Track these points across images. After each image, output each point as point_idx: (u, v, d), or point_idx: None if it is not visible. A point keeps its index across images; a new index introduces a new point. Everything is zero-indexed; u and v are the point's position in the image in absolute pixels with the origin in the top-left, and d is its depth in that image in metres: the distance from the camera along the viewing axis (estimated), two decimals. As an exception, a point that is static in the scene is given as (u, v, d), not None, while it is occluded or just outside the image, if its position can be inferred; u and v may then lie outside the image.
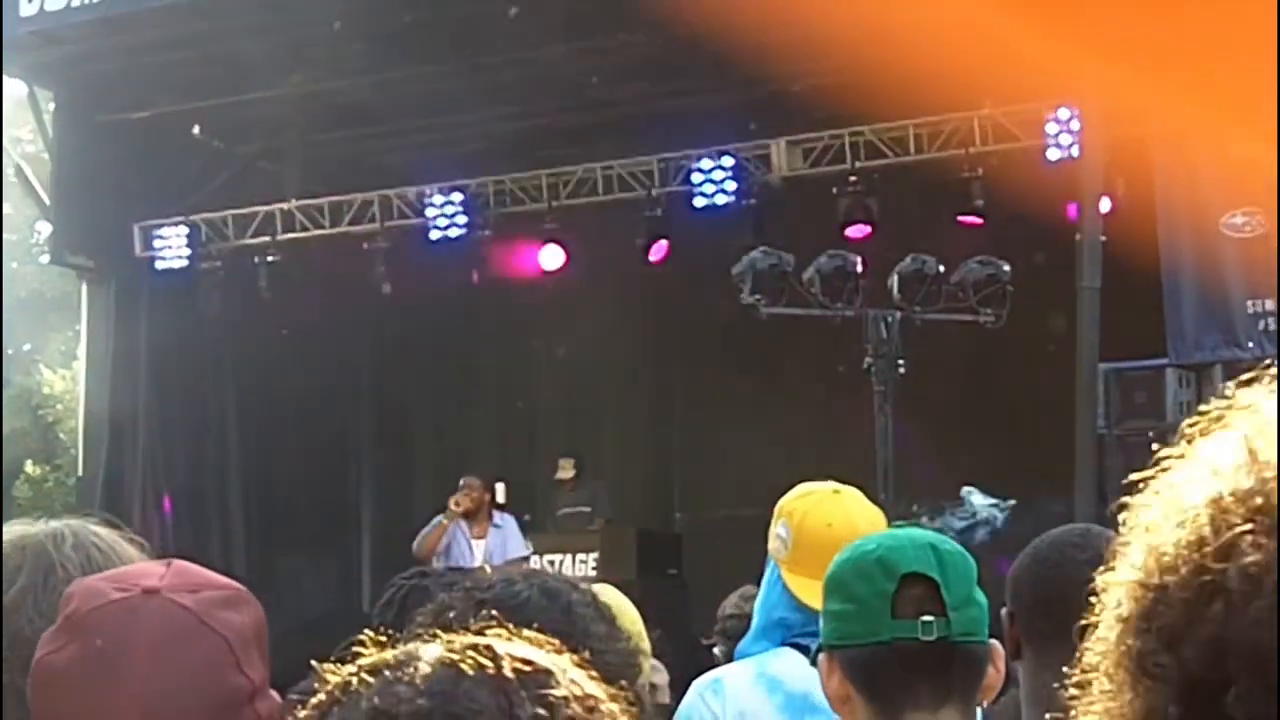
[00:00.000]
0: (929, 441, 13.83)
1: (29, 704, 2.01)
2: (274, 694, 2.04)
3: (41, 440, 31.85)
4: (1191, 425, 1.18)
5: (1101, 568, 1.25)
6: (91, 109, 16.80)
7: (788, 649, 3.91)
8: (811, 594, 3.88)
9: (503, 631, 1.45)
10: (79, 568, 2.47)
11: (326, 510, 18.49)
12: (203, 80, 16.26)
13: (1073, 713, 1.28)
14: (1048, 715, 2.98)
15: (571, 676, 1.41)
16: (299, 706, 1.45)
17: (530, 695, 1.36)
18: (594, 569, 14.72)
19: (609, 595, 3.80)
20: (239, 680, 1.97)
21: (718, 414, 17.28)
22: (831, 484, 4.11)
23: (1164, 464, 1.18)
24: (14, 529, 2.59)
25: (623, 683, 2.47)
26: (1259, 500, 1.09)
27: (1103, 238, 11.74)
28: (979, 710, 3.00)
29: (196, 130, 17.33)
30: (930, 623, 2.76)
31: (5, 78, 17.23)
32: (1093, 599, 1.27)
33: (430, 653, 1.40)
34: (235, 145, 17.72)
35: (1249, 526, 1.09)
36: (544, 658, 1.41)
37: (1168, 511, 1.16)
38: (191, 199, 17.09)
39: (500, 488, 15.36)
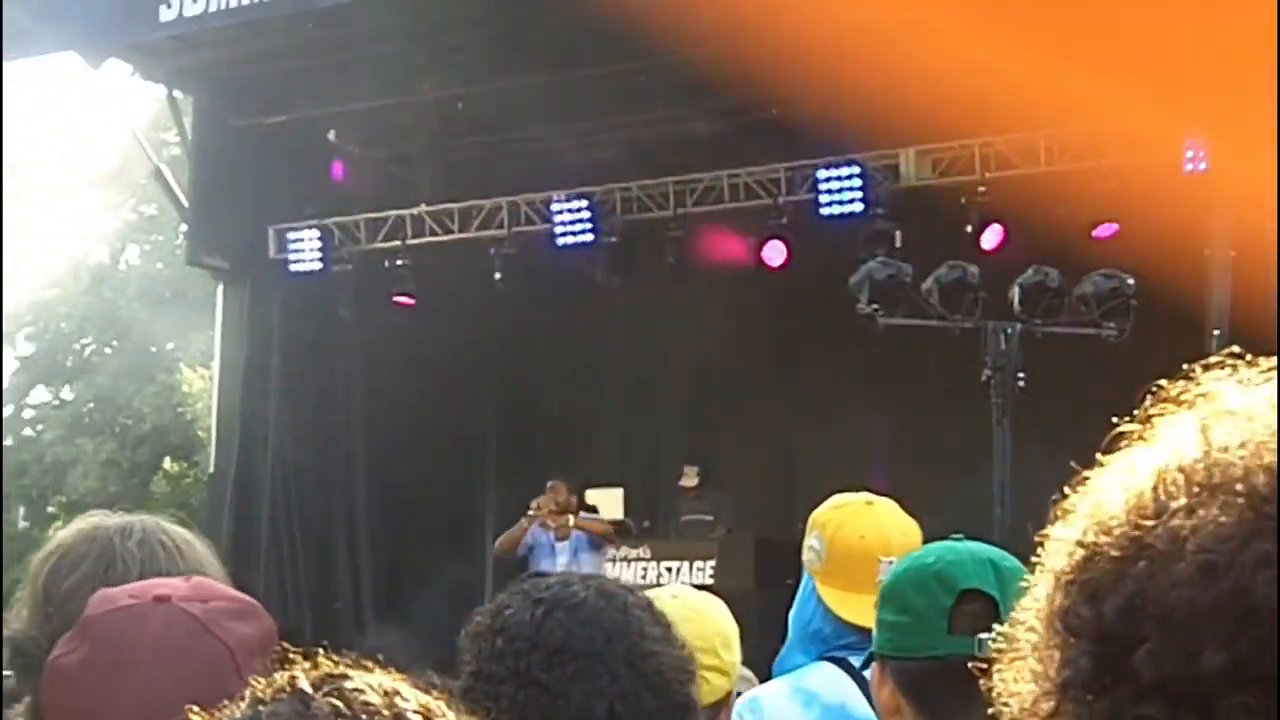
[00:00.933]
0: (1048, 458, 13.70)
1: (43, 701, 2.08)
2: None
3: (181, 437, 32.37)
4: (1158, 407, 1.25)
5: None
6: (229, 113, 17.08)
7: (824, 663, 3.90)
8: (845, 606, 3.87)
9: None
10: (139, 563, 2.55)
11: (451, 513, 18.61)
12: (338, 86, 16.47)
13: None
14: None
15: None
16: None
17: None
18: (711, 576, 14.74)
19: (698, 604, 3.82)
20: (238, 685, 2.00)
21: (838, 424, 17.19)
22: (865, 495, 4.09)
23: (1126, 442, 1.25)
24: (90, 519, 2.67)
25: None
26: (1200, 474, 1.15)
27: (1232, 252, 11.58)
28: None
29: (331, 135, 17.55)
30: (987, 640, 2.73)
31: (147, 82, 17.54)
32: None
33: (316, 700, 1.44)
34: (369, 150, 17.91)
35: (1185, 498, 1.15)
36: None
37: (1117, 479, 1.24)
38: (325, 203, 17.29)
39: (619, 494, 15.44)
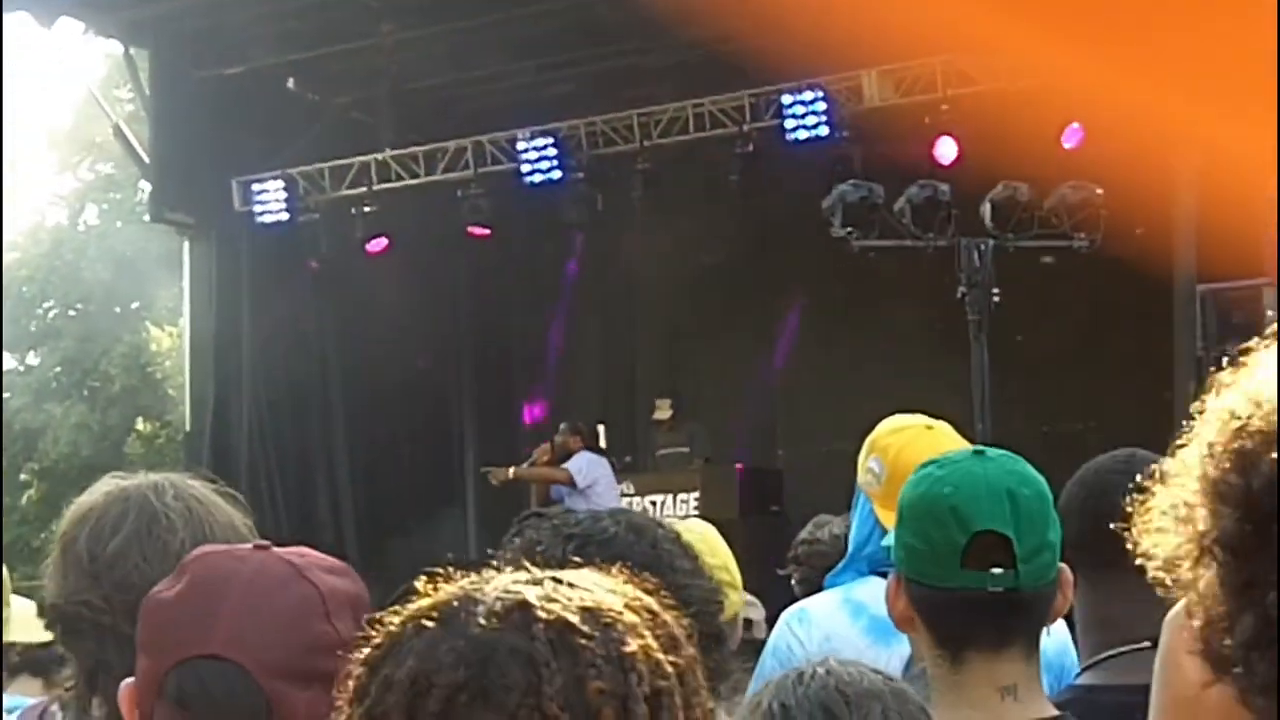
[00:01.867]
0: (1025, 369, 13.78)
1: (137, 637, 2.10)
2: None
3: (152, 397, 32.29)
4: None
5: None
6: (187, 66, 16.96)
7: (873, 576, 3.94)
8: None
9: (591, 575, 1.50)
10: (181, 516, 2.59)
11: (432, 460, 18.63)
12: (295, 33, 16.40)
13: (1144, 519, 1.39)
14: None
15: (603, 635, 1.44)
16: None
17: (565, 666, 1.41)
18: (695, 508, 14.79)
19: (698, 529, 3.85)
20: (326, 628, 2.04)
21: (814, 349, 17.24)
22: (924, 419, 4.10)
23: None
24: (111, 481, 2.68)
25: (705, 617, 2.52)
26: None
27: (1198, 157, 11.58)
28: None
29: (291, 83, 17.46)
30: (1000, 575, 2.77)
31: (100, 38, 17.41)
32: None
33: (482, 606, 1.45)
34: (329, 97, 17.82)
35: None
36: (582, 621, 1.44)
37: (1272, 358, 1.29)
38: (288, 153, 17.21)
39: (600, 429, 15.47)
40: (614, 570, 1.54)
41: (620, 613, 1.46)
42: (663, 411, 15.89)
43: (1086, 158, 12.89)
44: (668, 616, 1.50)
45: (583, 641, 1.42)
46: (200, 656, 2.00)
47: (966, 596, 2.78)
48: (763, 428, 17.81)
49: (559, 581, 1.49)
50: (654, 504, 15.01)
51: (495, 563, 2.63)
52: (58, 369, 34.91)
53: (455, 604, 1.45)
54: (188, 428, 18.00)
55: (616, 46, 16.20)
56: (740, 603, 3.72)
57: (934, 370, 12.95)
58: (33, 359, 36.10)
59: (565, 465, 14.65)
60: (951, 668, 2.81)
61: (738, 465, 15.78)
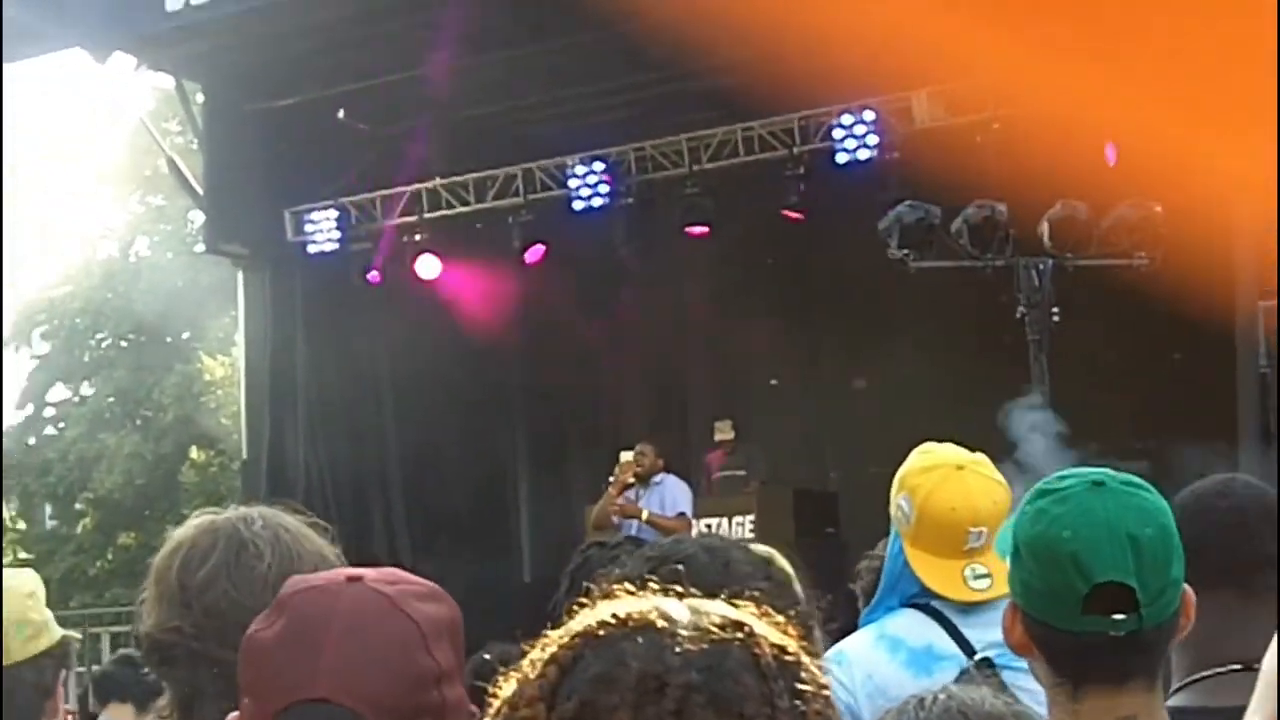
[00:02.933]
0: (1085, 388, 13.72)
1: (238, 676, 2.13)
2: (463, 688, 2.12)
3: (205, 426, 32.41)
4: None
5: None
6: (238, 99, 17.08)
7: (905, 609, 3.92)
8: (932, 574, 3.90)
9: (750, 607, 1.52)
10: (269, 544, 2.63)
11: (485, 486, 18.66)
12: (345, 65, 16.48)
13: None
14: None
15: (808, 662, 1.48)
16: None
17: (786, 685, 1.44)
18: (751, 531, 14.75)
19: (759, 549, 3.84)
20: (427, 662, 2.06)
21: (869, 370, 17.21)
22: (955, 456, 4.06)
23: None
24: (203, 517, 2.73)
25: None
26: None
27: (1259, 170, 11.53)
28: None
29: (341, 114, 17.54)
30: (1122, 620, 2.70)
31: (153, 72, 17.53)
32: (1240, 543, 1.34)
33: (684, 616, 1.47)
34: (380, 127, 17.89)
35: None
36: (792, 645, 1.49)
37: None
38: (339, 182, 17.29)
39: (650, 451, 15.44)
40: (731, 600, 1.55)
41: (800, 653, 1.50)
42: (724, 433, 15.84)
43: (1144, 175, 12.85)
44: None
45: (794, 663, 1.46)
46: (308, 701, 2.02)
47: (1087, 640, 2.72)
48: (815, 451, 17.78)
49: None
50: (710, 527, 14.95)
51: (590, 586, 2.66)
52: (111, 399, 35.10)
53: (654, 616, 1.46)
54: (244, 456, 18.08)
55: (666, 71, 16.21)
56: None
57: (993, 391, 12.91)
58: (86, 389, 36.29)
59: (660, 483, 14.42)
60: (1071, 699, 2.76)
61: (792, 489, 15.75)
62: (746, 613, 1.50)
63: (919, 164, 14.45)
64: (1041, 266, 11.02)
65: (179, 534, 2.70)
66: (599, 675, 1.42)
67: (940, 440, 4.22)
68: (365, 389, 17.94)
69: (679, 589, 1.54)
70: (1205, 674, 3.07)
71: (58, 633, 3.50)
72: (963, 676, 3.45)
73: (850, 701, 3.84)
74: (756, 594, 2.52)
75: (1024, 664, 2.89)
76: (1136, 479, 2.87)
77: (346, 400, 17.69)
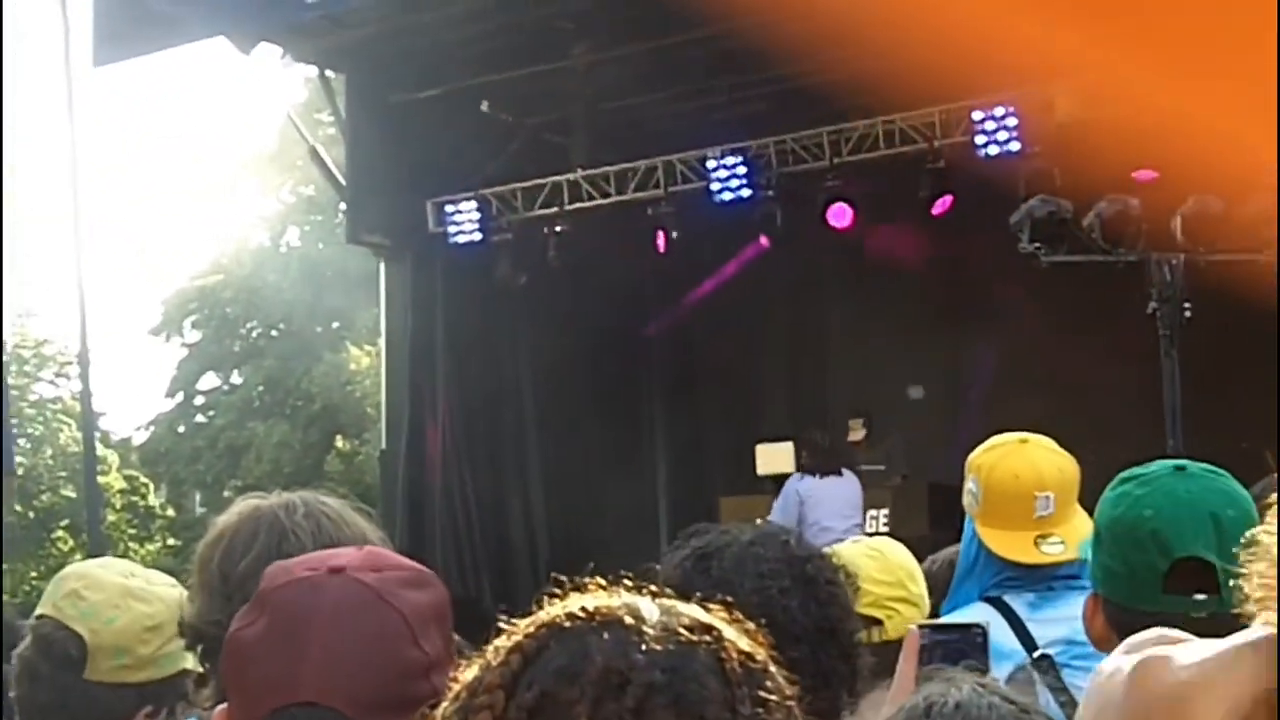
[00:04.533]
0: (1218, 386, 13.54)
1: (222, 673, 2.12)
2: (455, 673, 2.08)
3: (351, 415, 32.80)
4: None
5: None
6: (381, 89, 17.22)
7: (978, 603, 3.90)
8: (1003, 544, 3.87)
9: (720, 612, 1.50)
10: (310, 535, 2.60)
11: (623, 476, 18.68)
12: (489, 55, 16.57)
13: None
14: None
15: (775, 671, 1.47)
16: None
17: (750, 692, 1.43)
18: (885, 524, 14.72)
19: (877, 546, 3.84)
20: (414, 653, 2.02)
21: (1007, 363, 17.08)
22: (1019, 434, 4.05)
23: None
24: (248, 503, 2.72)
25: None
26: None
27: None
28: None
29: (484, 106, 17.65)
30: (1203, 601, 2.70)
31: (298, 63, 17.73)
32: None
33: (653, 615, 1.46)
34: (522, 118, 17.99)
35: None
36: (760, 653, 1.47)
37: None
38: (481, 174, 17.39)
39: (789, 448, 15.43)
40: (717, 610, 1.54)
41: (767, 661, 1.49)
42: (856, 432, 15.81)
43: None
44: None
45: (760, 671, 1.45)
46: (293, 705, 1.99)
47: (1167, 620, 2.72)
48: (953, 444, 17.66)
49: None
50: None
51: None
52: (260, 388, 35.61)
53: (623, 613, 1.45)
54: (384, 445, 18.23)
55: (806, 64, 16.17)
56: (918, 617, 3.70)
57: (1125, 388, 12.79)
58: (236, 378, 36.85)
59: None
60: None
61: (928, 481, 15.68)
62: (717, 617, 1.48)
63: (1059, 158, 14.35)
64: (1174, 261, 10.86)
65: (223, 521, 2.69)
66: (562, 667, 1.41)
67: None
68: (506, 382, 18.03)
69: (654, 589, 1.52)
70: None
71: (171, 670, 3.47)
72: (1018, 674, 3.43)
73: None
74: (763, 591, 2.54)
75: (1085, 661, 2.87)
76: (1219, 468, 2.87)
77: (486, 391, 17.79)
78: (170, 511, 37.59)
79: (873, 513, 14.89)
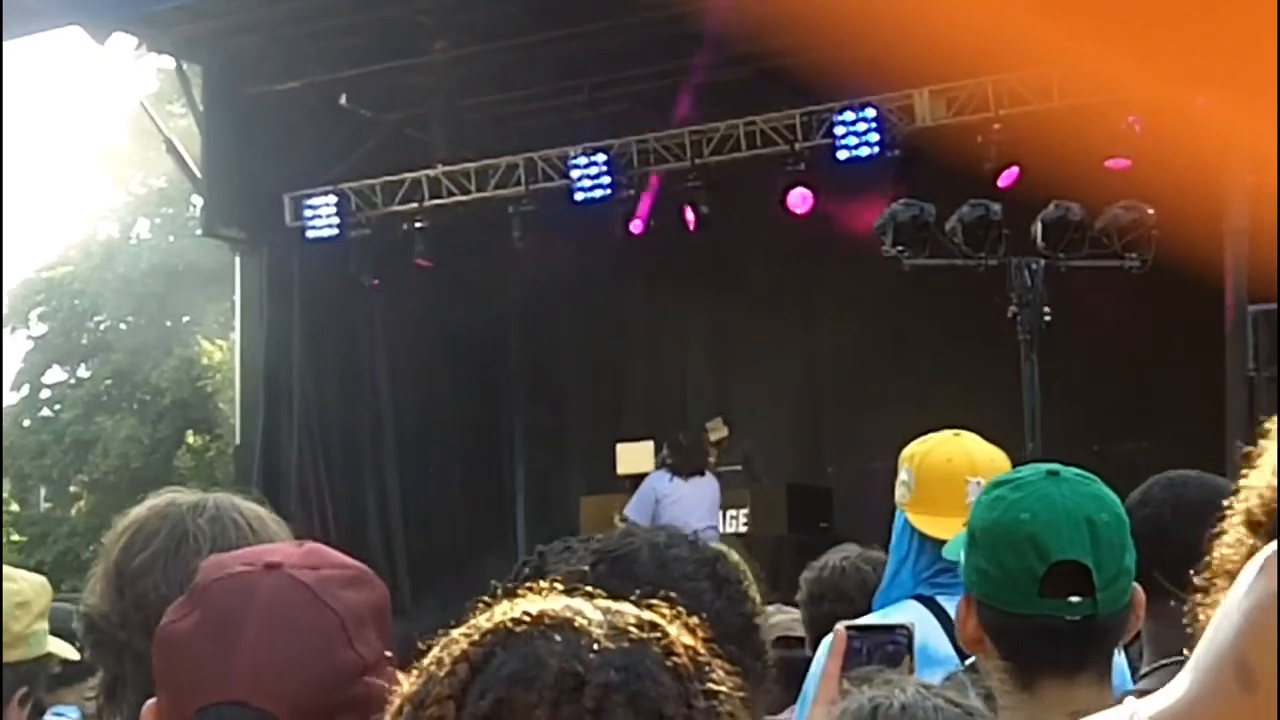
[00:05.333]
0: (1076, 389, 13.74)
1: (153, 669, 2.07)
2: (392, 672, 2.05)
3: (202, 411, 32.41)
4: None
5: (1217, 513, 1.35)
6: (239, 82, 17.05)
7: (910, 601, 3.92)
8: (938, 528, 3.90)
9: (665, 610, 1.50)
10: (210, 540, 2.54)
11: (480, 475, 18.67)
12: (348, 50, 16.47)
13: (1198, 614, 1.41)
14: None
15: (718, 664, 1.48)
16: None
17: (700, 687, 1.43)
18: (745, 525, 14.80)
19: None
20: (349, 655, 1.99)
21: (864, 366, 17.23)
22: (952, 430, 4.12)
23: None
24: (163, 497, 2.67)
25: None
26: None
27: (1250, 177, 11.54)
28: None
29: (343, 100, 17.53)
30: (1078, 604, 2.74)
31: (153, 54, 17.51)
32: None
33: (597, 616, 1.45)
34: (381, 113, 17.89)
35: None
36: (702, 647, 1.47)
37: None
38: (340, 168, 17.27)
39: (649, 447, 15.48)
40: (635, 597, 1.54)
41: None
42: (717, 431, 15.85)
43: (1138, 178, 12.87)
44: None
45: (706, 665, 1.45)
46: (224, 703, 1.96)
47: (1042, 624, 2.75)
48: (810, 446, 17.80)
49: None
50: (702, 522, 15.01)
51: (527, 570, 2.67)
52: (109, 381, 35.07)
53: (570, 615, 1.44)
54: (238, 441, 18.07)
55: (668, 65, 16.23)
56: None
57: (984, 390, 12.94)
58: (84, 371, 36.26)
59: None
60: (1022, 693, 2.78)
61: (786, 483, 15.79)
62: (658, 614, 1.48)
63: (919, 162, 14.50)
64: (1034, 266, 11.01)
65: (135, 512, 2.65)
66: (515, 673, 1.39)
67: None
68: (362, 378, 17.93)
69: (589, 589, 1.51)
70: (1167, 661, 3.09)
71: (40, 650, 3.43)
72: (950, 681, 3.44)
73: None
74: (693, 593, 2.54)
75: None
76: (1089, 473, 2.92)
77: (343, 387, 17.68)
78: (15, 507, 36.95)
79: (732, 513, 14.96)
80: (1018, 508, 2.83)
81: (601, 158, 16.01)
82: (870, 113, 14.84)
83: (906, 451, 4.08)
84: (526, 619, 1.44)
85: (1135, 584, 2.84)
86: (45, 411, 36.37)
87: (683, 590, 2.52)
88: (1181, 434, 13.17)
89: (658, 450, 15.22)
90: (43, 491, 37.09)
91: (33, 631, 3.40)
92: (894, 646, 2.69)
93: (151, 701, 2.06)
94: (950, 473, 3.93)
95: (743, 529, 14.77)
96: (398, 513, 17.82)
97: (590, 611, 1.45)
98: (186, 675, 2.00)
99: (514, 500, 19.10)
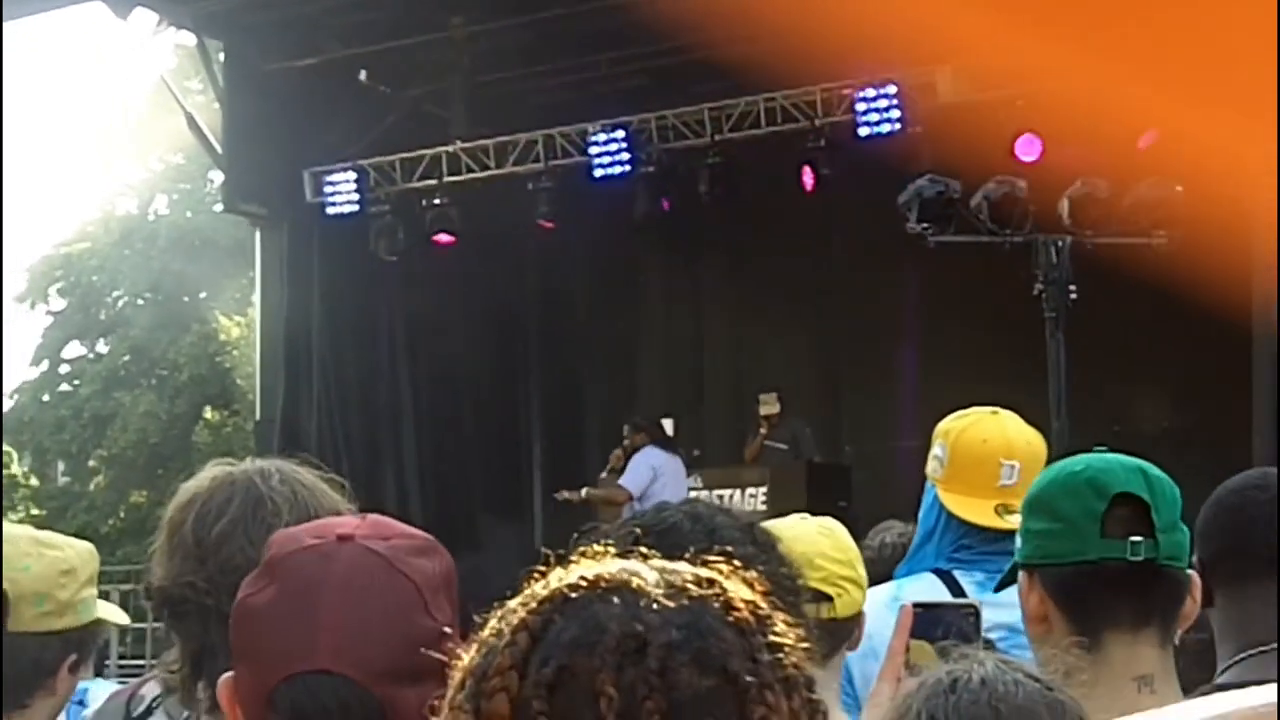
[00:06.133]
0: (1102, 368, 13.69)
1: (231, 641, 2.09)
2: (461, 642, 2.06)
3: (219, 386, 32.49)
4: None
5: None
6: (259, 58, 17.05)
7: (928, 573, 3.91)
8: (967, 509, 3.89)
9: (722, 567, 1.48)
10: (286, 500, 2.59)
11: (499, 449, 18.68)
12: (367, 25, 16.45)
13: None
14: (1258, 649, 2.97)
15: (780, 617, 1.46)
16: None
17: (764, 640, 1.41)
18: (763, 503, 14.76)
19: (827, 526, 3.81)
20: (427, 622, 2.02)
21: (885, 344, 17.19)
22: (991, 407, 4.10)
23: None
24: (217, 468, 2.68)
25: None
26: None
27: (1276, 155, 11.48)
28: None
29: (363, 76, 17.51)
30: (1139, 543, 2.74)
31: (175, 29, 17.50)
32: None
33: (653, 576, 1.43)
34: (400, 89, 17.86)
35: None
36: (762, 601, 1.46)
37: None
38: (359, 144, 17.26)
39: (668, 425, 15.46)
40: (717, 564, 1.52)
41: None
42: (769, 406, 15.71)
43: (1166, 154, 12.79)
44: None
45: (768, 619, 1.44)
46: (308, 672, 1.98)
47: (1105, 569, 2.75)
48: (831, 423, 17.76)
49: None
50: (721, 498, 14.96)
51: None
52: (127, 357, 35.19)
53: (626, 577, 1.43)
54: (258, 416, 18.10)
55: (688, 40, 16.16)
56: (862, 600, 3.68)
57: (1009, 367, 12.87)
58: (102, 347, 36.38)
59: (623, 476, 14.69)
60: (1089, 654, 2.74)
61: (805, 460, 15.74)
62: (715, 571, 1.46)
63: (941, 139, 14.42)
64: (1060, 244, 10.94)
65: (192, 486, 2.66)
66: (576, 639, 1.38)
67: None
68: (382, 354, 17.93)
69: (644, 551, 1.50)
70: (1247, 654, 3.07)
71: (88, 618, 3.45)
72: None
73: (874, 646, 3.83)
74: (743, 558, 2.51)
75: (1025, 652, 2.88)
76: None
77: (361, 362, 17.68)
78: (34, 481, 37.09)
79: (750, 491, 14.93)
80: (1072, 464, 2.88)
81: (620, 134, 15.97)
82: (891, 89, 14.77)
83: (942, 426, 4.06)
84: (583, 583, 1.42)
85: (1191, 571, 2.85)
86: (64, 386, 36.51)
87: (735, 556, 2.50)
88: (1208, 413, 13.17)
89: (674, 429, 15.23)
90: (61, 466, 37.25)
91: (80, 599, 3.41)
92: (961, 625, 2.70)
93: (227, 676, 2.08)
94: (985, 454, 3.92)
95: (760, 506, 14.73)
96: (415, 488, 17.83)
97: (647, 573, 1.44)
98: (268, 647, 2.02)
99: (531, 477, 19.11)
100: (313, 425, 17.22)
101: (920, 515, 4.10)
